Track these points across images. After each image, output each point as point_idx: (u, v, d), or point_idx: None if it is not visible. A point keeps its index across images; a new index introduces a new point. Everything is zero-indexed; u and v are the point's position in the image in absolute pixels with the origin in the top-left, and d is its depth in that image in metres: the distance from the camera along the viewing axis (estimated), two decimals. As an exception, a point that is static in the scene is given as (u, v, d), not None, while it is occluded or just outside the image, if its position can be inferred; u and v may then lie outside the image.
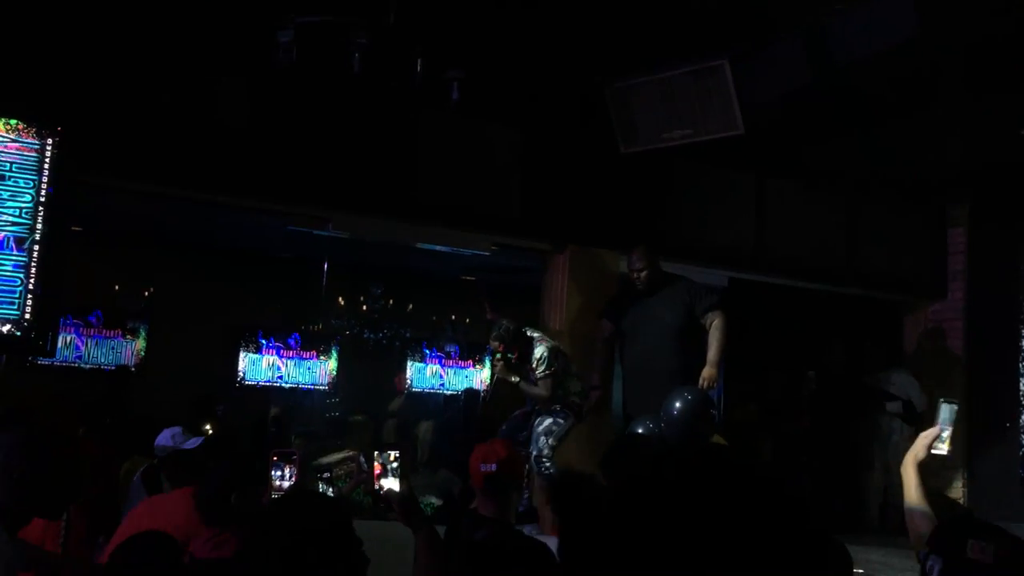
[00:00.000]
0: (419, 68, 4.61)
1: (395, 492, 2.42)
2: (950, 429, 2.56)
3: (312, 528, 1.88)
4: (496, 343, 5.40)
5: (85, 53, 4.87)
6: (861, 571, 5.22)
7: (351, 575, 1.92)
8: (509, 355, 5.33)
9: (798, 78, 5.30)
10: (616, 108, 5.72)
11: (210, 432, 6.10)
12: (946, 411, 2.56)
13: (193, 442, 3.79)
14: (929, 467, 2.53)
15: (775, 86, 5.50)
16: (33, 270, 4.57)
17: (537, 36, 5.13)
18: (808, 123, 6.09)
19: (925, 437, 2.54)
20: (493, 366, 5.43)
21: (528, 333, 5.43)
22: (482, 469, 2.99)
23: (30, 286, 4.55)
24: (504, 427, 5.57)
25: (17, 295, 4.52)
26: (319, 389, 9.98)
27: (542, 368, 5.29)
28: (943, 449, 2.56)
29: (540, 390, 5.30)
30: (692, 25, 5.13)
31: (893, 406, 7.30)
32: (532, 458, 5.22)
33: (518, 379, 5.35)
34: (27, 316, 4.52)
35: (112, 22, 4.89)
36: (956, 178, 7.46)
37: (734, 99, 5.35)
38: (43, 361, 8.55)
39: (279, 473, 4.50)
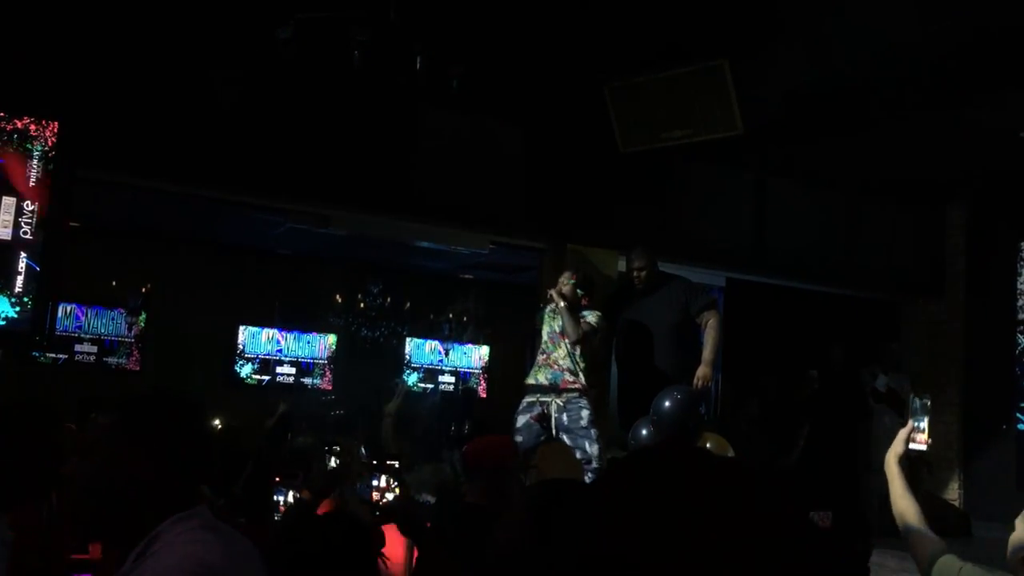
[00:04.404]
0: (419, 64, 4.58)
1: (395, 504, 2.39)
2: (925, 421, 2.68)
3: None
4: (573, 271, 5.34)
5: (79, 44, 4.84)
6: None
7: None
8: (580, 291, 5.24)
9: (798, 78, 5.31)
10: (616, 107, 5.72)
11: (218, 426, 6.10)
12: (917, 404, 2.69)
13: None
14: (914, 464, 2.61)
15: (775, 86, 5.51)
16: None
17: (538, 33, 5.12)
18: (808, 123, 6.08)
19: (903, 433, 2.64)
20: (556, 291, 5.24)
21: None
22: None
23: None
24: (521, 438, 5.14)
25: None
26: (317, 387, 9.95)
27: (587, 321, 5.20)
28: (921, 442, 2.66)
29: (578, 326, 5.13)
30: (693, 24, 5.13)
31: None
32: (593, 457, 4.95)
33: (564, 303, 5.15)
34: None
35: (106, 12, 4.86)
36: (956, 179, 7.46)
37: (733, 99, 5.37)
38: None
39: (280, 499, 4.37)
